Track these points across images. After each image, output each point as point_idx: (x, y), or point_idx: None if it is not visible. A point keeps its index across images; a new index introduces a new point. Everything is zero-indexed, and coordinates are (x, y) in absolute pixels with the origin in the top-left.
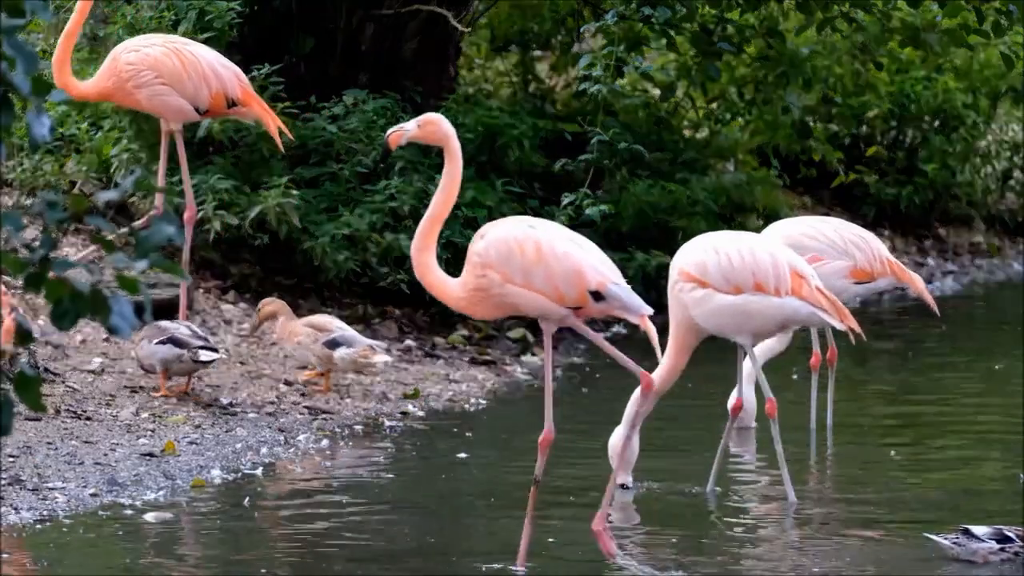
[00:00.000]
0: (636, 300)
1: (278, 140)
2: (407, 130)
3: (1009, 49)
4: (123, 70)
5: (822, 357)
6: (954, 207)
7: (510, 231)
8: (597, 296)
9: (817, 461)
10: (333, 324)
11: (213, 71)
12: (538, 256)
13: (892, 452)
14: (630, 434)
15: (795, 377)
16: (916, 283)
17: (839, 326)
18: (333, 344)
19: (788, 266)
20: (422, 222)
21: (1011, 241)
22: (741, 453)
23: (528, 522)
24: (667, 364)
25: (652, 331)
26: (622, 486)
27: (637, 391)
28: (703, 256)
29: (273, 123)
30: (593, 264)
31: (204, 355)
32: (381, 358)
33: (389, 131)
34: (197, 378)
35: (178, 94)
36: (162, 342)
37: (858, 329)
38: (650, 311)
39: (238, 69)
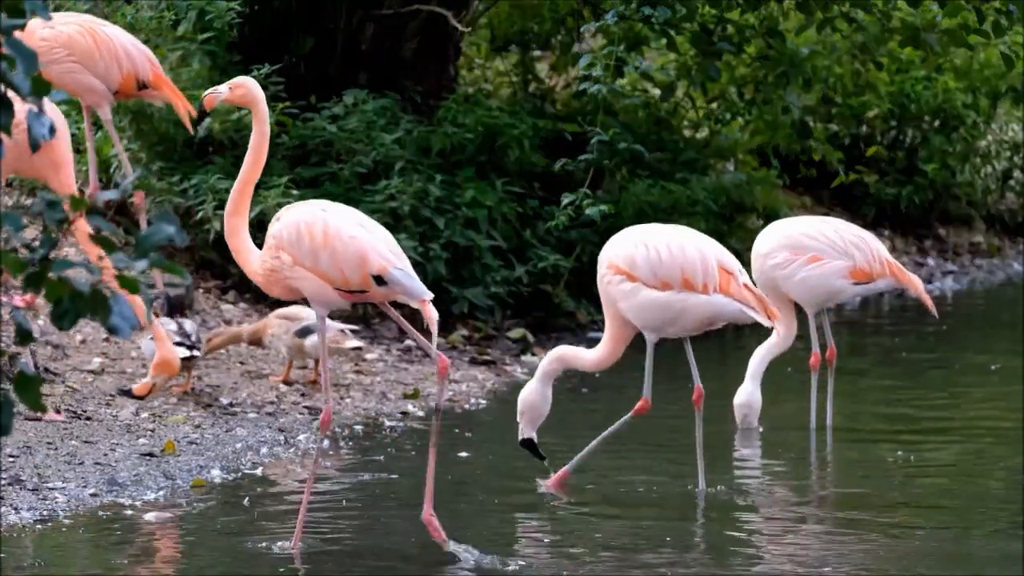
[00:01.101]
0: (418, 285)
1: (188, 124)
2: (220, 92)
3: (1009, 49)
4: (37, 46)
5: (822, 357)
6: (954, 207)
7: (302, 214)
8: (380, 280)
9: (817, 461)
10: (303, 313)
11: (125, 52)
12: (325, 239)
13: (900, 453)
14: (541, 388)
15: (788, 370)
16: (915, 285)
17: (766, 323)
18: (304, 332)
19: (717, 262)
20: (234, 186)
21: (1011, 241)
22: (748, 456)
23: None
24: (602, 351)
25: (432, 316)
26: (527, 441)
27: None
28: (632, 250)
29: (183, 107)
30: (378, 248)
31: (181, 352)
32: (351, 343)
33: (205, 93)
34: (197, 378)
35: (89, 72)
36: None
37: (791, 327)
38: (430, 296)
39: (150, 52)
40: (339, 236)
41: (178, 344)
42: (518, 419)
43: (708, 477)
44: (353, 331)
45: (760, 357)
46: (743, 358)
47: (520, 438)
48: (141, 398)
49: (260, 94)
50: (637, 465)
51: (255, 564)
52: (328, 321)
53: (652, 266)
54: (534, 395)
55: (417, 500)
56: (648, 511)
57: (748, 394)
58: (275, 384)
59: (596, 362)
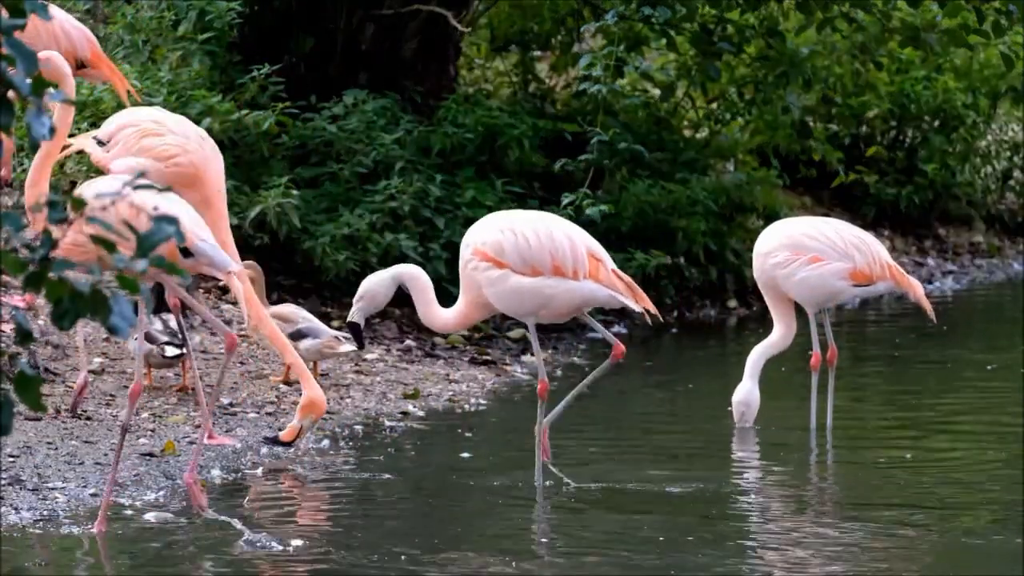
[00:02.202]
0: (222, 256)
1: (126, 102)
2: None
3: (1009, 49)
4: None
5: (822, 357)
6: (954, 207)
7: (105, 187)
8: (186, 252)
9: (817, 461)
10: (299, 315)
11: (63, 30)
12: (133, 212)
13: (900, 453)
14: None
15: (788, 370)
16: (915, 289)
17: (636, 308)
18: (298, 335)
19: (585, 248)
20: (35, 159)
21: (1011, 241)
22: (748, 456)
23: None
24: (452, 316)
25: (238, 288)
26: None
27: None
28: (499, 236)
29: (122, 86)
30: (182, 221)
31: (169, 351)
32: (346, 348)
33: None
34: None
35: None
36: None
37: (654, 310)
38: (236, 268)
39: (88, 31)
40: (144, 209)
41: (168, 344)
42: (354, 302)
43: (708, 477)
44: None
45: (758, 355)
46: (743, 359)
47: (349, 319)
48: (289, 444)
49: (67, 69)
50: (637, 465)
51: (255, 564)
52: (322, 327)
53: (521, 252)
54: (377, 286)
55: (417, 500)
56: (648, 511)
57: (747, 392)
58: (275, 384)
59: (444, 322)
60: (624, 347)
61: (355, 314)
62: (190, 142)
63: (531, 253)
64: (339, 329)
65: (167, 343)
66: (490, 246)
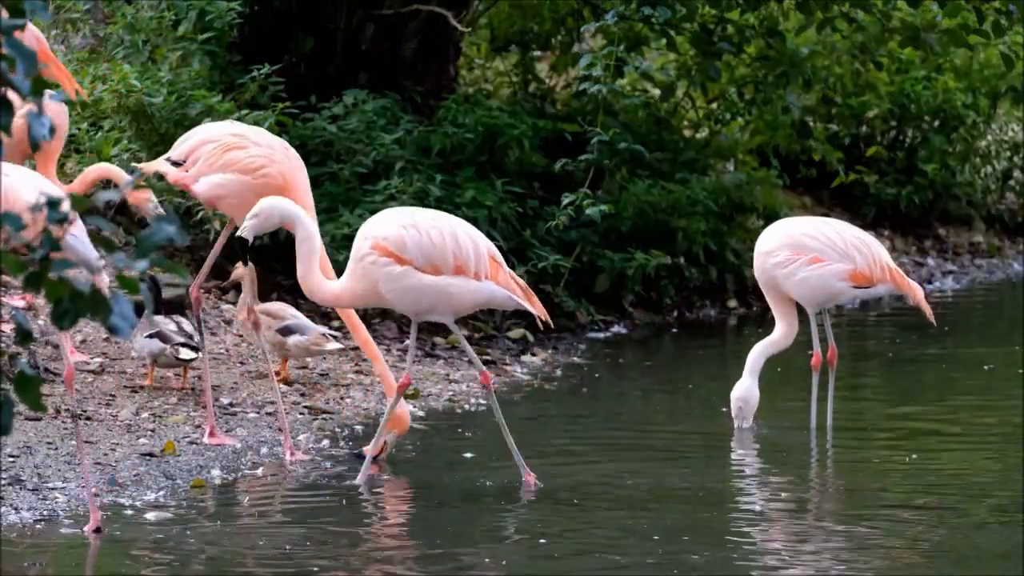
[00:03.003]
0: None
1: (75, 100)
2: None
3: (1009, 49)
4: None
5: (822, 357)
6: (954, 207)
7: None
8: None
9: (817, 461)
10: (287, 312)
11: None
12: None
13: (899, 453)
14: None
15: (787, 370)
16: (915, 293)
17: (534, 311)
18: (286, 331)
19: (487, 250)
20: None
21: (1011, 241)
22: (748, 455)
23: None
24: (331, 292)
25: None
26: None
27: None
28: (402, 232)
29: (71, 85)
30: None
31: (185, 353)
32: (333, 346)
33: None
34: (197, 377)
35: None
36: (151, 336)
37: (546, 316)
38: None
39: (36, 29)
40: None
41: (183, 345)
42: (247, 218)
43: (707, 477)
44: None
45: (758, 353)
46: (743, 359)
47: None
48: (375, 458)
49: None
50: (636, 465)
51: (255, 564)
52: (309, 324)
53: (424, 250)
54: (271, 211)
55: (417, 500)
56: (648, 511)
57: (746, 389)
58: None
59: (323, 294)
60: (489, 375)
61: (245, 230)
62: (276, 152)
63: (434, 251)
64: (338, 329)
65: (182, 344)
66: (392, 241)
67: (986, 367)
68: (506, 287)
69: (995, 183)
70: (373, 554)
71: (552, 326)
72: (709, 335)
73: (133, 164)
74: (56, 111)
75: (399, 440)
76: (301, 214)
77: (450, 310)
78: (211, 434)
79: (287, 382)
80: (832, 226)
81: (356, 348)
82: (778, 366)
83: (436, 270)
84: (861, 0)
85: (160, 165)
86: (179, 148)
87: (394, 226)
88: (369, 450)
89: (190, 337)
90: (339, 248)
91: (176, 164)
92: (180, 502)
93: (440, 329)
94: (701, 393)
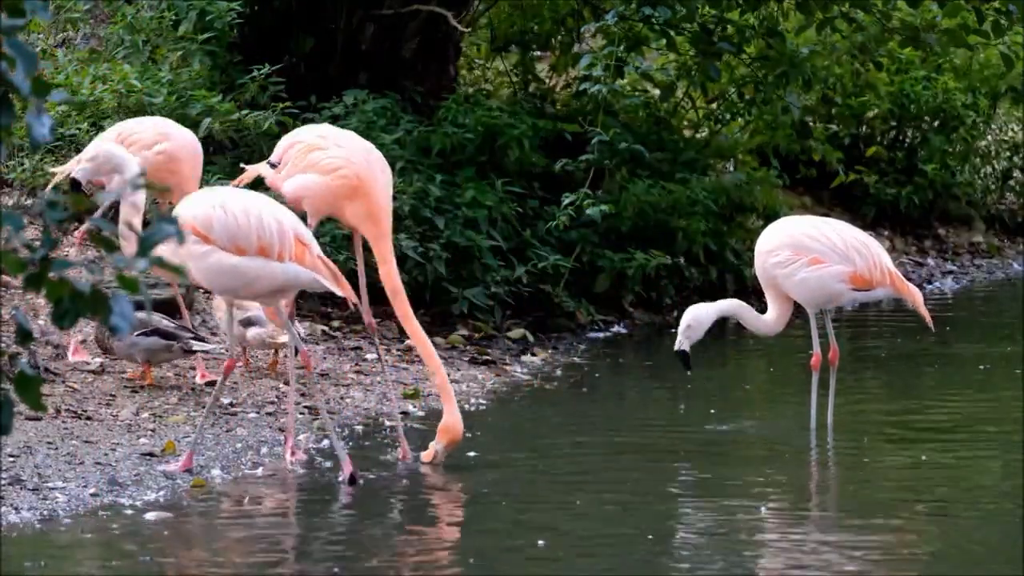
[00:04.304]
0: None
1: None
2: None
3: (1009, 49)
4: None
5: (823, 357)
6: (954, 207)
7: None
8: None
9: (817, 460)
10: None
11: None
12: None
13: (900, 453)
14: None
15: (772, 370)
16: (915, 297)
17: (339, 292)
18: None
19: (293, 232)
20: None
21: (1011, 241)
22: (748, 455)
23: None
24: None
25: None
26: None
27: None
28: (210, 212)
29: None
30: None
31: (197, 345)
32: (284, 339)
33: None
34: (196, 377)
35: None
36: (146, 334)
37: (354, 299)
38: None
39: None
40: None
41: (194, 338)
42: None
43: (707, 477)
44: (354, 332)
45: (741, 306)
46: (743, 359)
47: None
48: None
49: None
50: (636, 465)
51: (255, 564)
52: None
53: (229, 230)
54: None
55: (417, 500)
56: (648, 511)
57: (703, 311)
58: (272, 375)
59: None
60: (311, 359)
61: (78, 172)
62: (355, 154)
63: (238, 232)
64: (337, 329)
65: (195, 338)
66: (200, 221)
67: (988, 367)
68: (312, 269)
69: (995, 183)
70: (373, 554)
71: (359, 305)
72: (709, 335)
73: (242, 165)
74: (190, 150)
75: (449, 450)
76: (134, 167)
77: (251, 291)
78: (202, 377)
79: (286, 382)
80: (833, 227)
81: (356, 348)
82: (778, 366)
83: (240, 250)
84: (861, 0)
85: (262, 169)
86: (276, 152)
87: (204, 205)
88: (423, 456)
89: (189, 329)
90: (339, 248)
91: (273, 166)
92: (180, 502)
93: (440, 329)
94: (701, 393)
